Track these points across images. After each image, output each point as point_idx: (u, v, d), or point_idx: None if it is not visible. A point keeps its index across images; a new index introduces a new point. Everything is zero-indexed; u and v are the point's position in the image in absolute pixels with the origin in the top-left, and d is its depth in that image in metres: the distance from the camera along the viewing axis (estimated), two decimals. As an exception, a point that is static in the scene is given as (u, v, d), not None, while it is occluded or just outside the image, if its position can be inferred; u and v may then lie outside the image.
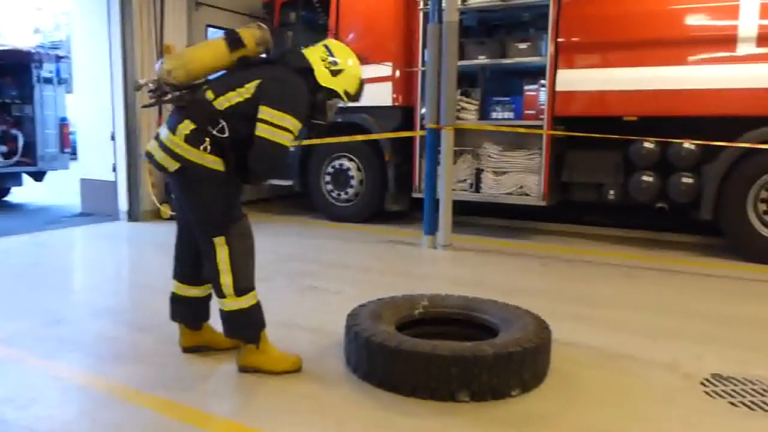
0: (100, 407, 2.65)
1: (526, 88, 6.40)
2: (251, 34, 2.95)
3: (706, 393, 2.80)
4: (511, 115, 6.49)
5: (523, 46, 6.38)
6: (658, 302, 4.34)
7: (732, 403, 2.70)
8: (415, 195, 6.93)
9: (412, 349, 2.66)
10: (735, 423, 2.54)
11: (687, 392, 2.82)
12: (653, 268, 5.33)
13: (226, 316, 2.91)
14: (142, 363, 3.10)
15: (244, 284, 2.87)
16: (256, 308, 2.93)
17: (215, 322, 3.10)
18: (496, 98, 6.63)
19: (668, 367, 3.09)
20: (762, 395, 2.78)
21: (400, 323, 3.13)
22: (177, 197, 3.01)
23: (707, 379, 2.93)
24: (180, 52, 2.99)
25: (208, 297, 3.12)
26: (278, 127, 2.74)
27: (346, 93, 3.02)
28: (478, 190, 6.66)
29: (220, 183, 2.80)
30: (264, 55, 3.04)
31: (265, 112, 2.75)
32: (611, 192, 6.12)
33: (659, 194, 5.89)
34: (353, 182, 7.38)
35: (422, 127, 6.46)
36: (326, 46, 3.03)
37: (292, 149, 3.09)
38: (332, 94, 3.00)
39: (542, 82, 6.22)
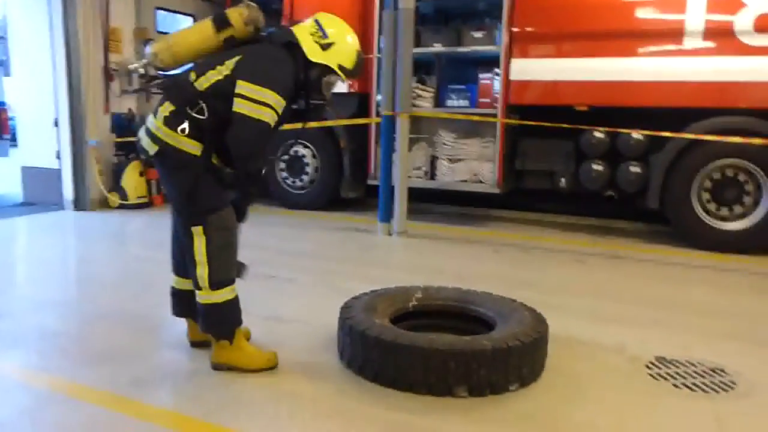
0: (43, 405, 2.54)
1: (481, 76, 6.44)
2: (239, 13, 2.80)
3: (651, 375, 2.90)
4: (466, 103, 6.53)
5: (478, 34, 6.42)
6: (606, 288, 4.46)
7: (675, 385, 2.80)
8: (371, 182, 6.92)
9: (410, 343, 2.60)
10: (677, 404, 2.63)
11: (632, 375, 2.90)
12: (603, 255, 5.47)
13: (200, 309, 2.80)
14: (91, 359, 2.99)
15: (219, 277, 2.74)
16: (232, 304, 2.81)
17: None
18: (452, 86, 6.66)
19: (615, 350, 3.18)
20: (702, 377, 2.89)
21: (395, 316, 3.06)
22: (161, 181, 2.89)
23: (652, 362, 3.03)
24: (168, 36, 2.87)
25: None
26: (257, 102, 2.57)
27: (341, 68, 2.82)
28: (433, 177, 6.70)
29: (196, 168, 2.67)
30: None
31: (242, 86, 2.59)
32: (563, 180, 6.25)
33: (608, 183, 6.03)
34: (308, 169, 7.31)
35: (378, 114, 6.44)
36: (316, 21, 2.84)
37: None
38: (326, 70, 2.82)
39: (497, 71, 6.27)
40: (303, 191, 7.41)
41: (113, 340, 3.22)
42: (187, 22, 8.44)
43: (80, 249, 5.84)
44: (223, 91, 2.64)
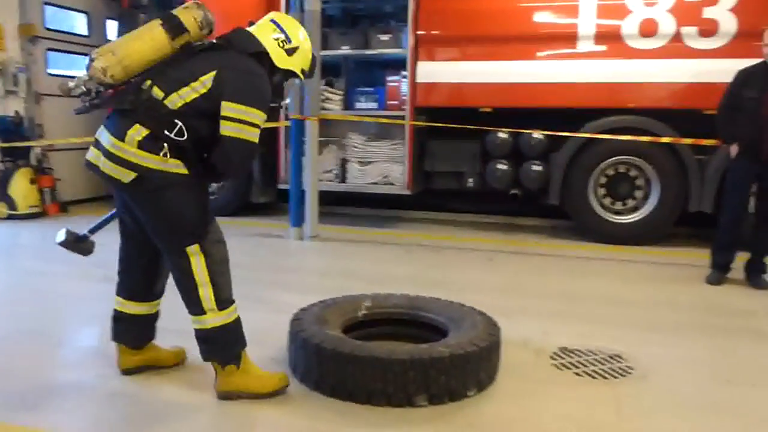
0: None
1: (388, 79, 6.51)
2: (192, 17, 2.59)
3: (555, 366, 3.03)
4: (374, 105, 6.58)
5: (384, 37, 6.48)
6: (513, 283, 4.62)
7: (577, 374, 2.94)
8: (282, 186, 6.83)
9: (368, 354, 2.54)
10: (579, 392, 2.76)
11: (538, 366, 3.02)
12: (510, 251, 5.67)
13: (206, 335, 2.57)
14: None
15: (225, 295, 2.58)
16: (238, 323, 2.63)
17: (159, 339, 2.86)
18: (360, 89, 6.69)
19: (521, 343, 3.29)
20: (602, 364, 3.05)
21: (345, 326, 2.98)
22: (128, 210, 2.62)
23: (555, 353, 3.17)
24: (111, 47, 2.53)
25: (156, 315, 2.84)
26: (245, 123, 2.46)
27: (303, 71, 2.78)
28: (344, 180, 6.70)
29: (189, 186, 2.50)
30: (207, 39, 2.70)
31: (228, 108, 2.45)
32: (470, 180, 6.42)
33: (513, 181, 6.26)
34: (217, 175, 7.11)
35: (287, 118, 6.37)
36: (274, 22, 2.72)
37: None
38: (289, 74, 2.75)
39: (404, 73, 6.36)
40: (212, 197, 7.17)
41: (7, 361, 2.99)
42: (81, 19, 8.01)
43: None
44: (202, 110, 2.48)
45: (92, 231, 2.83)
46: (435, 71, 6.23)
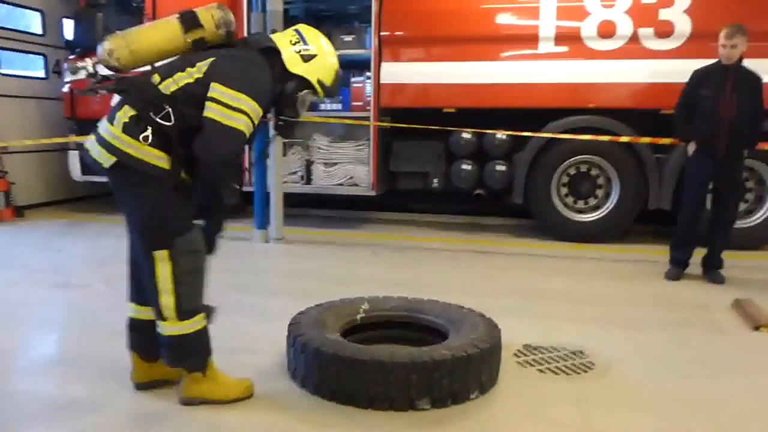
0: None
1: (353, 80, 6.49)
2: (210, 15, 2.55)
3: (519, 363, 3.05)
4: (339, 106, 6.55)
5: (348, 38, 6.47)
6: (478, 282, 4.65)
7: (540, 371, 2.97)
8: (246, 188, 6.74)
9: (370, 358, 2.50)
10: (542, 388, 2.79)
11: (503, 364, 3.03)
12: (475, 251, 5.71)
13: (165, 341, 2.48)
14: None
15: (188, 306, 2.45)
16: (202, 333, 2.52)
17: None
18: (324, 90, 6.64)
19: (487, 342, 3.31)
20: (564, 360, 3.08)
21: (344, 330, 2.95)
22: (116, 199, 2.52)
23: (519, 350, 3.20)
24: (123, 32, 2.49)
25: None
26: (231, 108, 2.32)
27: (320, 83, 2.60)
28: (309, 181, 6.66)
29: (162, 184, 2.36)
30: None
31: (216, 89, 2.34)
32: (435, 180, 6.45)
33: (477, 181, 6.31)
34: (180, 177, 6.99)
35: (250, 119, 6.28)
36: (297, 31, 2.63)
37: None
38: (304, 84, 2.58)
39: (368, 74, 6.35)
40: (174, 200, 7.06)
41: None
42: (34, 17, 7.80)
43: None
44: (193, 96, 2.37)
45: None
46: (399, 72, 6.24)
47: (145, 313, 2.59)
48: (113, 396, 2.65)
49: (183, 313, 2.44)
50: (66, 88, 6.93)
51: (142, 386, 2.68)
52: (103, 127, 2.42)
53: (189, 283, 2.45)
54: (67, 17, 8.04)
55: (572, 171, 6.07)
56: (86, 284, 4.37)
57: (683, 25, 5.56)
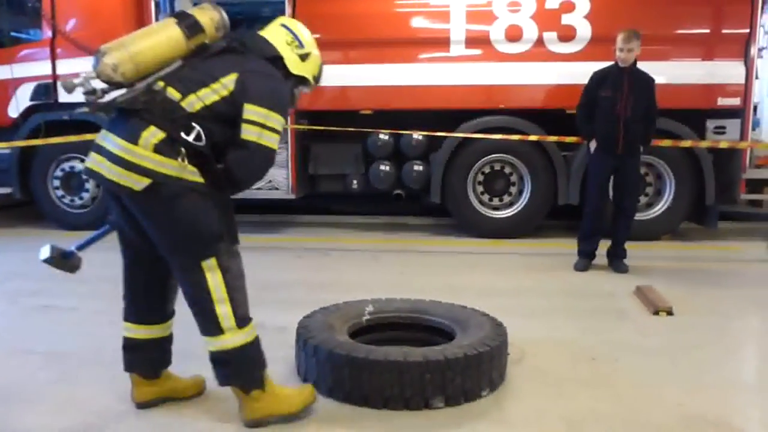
0: None
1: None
2: (209, 18, 2.48)
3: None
4: (256, 110, 6.48)
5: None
6: (399, 280, 4.73)
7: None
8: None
9: (384, 359, 2.52)
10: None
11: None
12: (396, 250, 5.80)
13: (225, 357, 2.37)
14: None
15: (243, 312, 2.40)
16: (259, 342, 2.46)
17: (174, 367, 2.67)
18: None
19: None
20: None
21: (351, 332, 2.96)
22: (131, 222, 2.38)
23: (439, 345, 3.29)
24: (122, 41, 2.33)
25: (170, 337, 2.63)
26: (266, 128, 2.35)
27: (315, 78, 2.70)
28: (227, 186, 6.54)
29: (205, 194, 2.32)
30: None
31: (251, 111, 2.33)
32: (354, 182, 6.50)
33: (396, 182, 6.42)
34: (88, 186, 6.69)
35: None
36: (286, 27, 2.64)
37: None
38: (301, 81, 2.65)
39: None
40: (85, 210, 6.75)
41: None
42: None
43: None
44: (221, 114, 2.34)
45: (80, 248, 2.52)
46: (315, 75, 6.24)
47: (146, 332, 2.56)
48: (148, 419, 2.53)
49: (241, 320, 2.39)
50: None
51: (144, 405, 2.61)
52: (117, 145, 2.25)
53: (241, 288, 2.44)
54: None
55: (487, 170, 6.29)
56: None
57: (584, 30, 5.88)
